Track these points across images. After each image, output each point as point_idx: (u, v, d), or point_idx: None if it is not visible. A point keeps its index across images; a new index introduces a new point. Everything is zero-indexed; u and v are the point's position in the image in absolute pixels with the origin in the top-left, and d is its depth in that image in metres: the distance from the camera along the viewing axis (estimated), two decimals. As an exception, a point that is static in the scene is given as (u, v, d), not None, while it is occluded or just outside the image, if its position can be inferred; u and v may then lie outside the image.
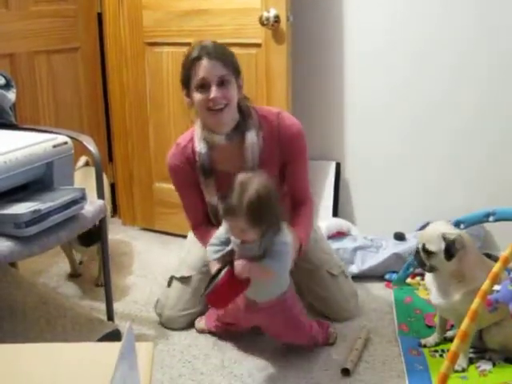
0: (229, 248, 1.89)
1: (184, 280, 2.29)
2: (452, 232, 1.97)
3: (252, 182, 1.78)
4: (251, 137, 2.08)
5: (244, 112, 2.09)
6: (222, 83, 1.99)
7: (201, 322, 2.26)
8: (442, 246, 1.94)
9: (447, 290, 1.98)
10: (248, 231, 1.79)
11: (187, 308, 2.28)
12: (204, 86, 1.99)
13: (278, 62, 2.61)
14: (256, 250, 1.82)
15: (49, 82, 3.05)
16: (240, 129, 2.08)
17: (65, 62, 3.11)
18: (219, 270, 1.84)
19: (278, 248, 1.83)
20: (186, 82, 2.05)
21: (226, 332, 2.20)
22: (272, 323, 2.03)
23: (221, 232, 1.94)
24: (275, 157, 2.13)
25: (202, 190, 2.18)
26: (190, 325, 2.29)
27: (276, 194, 1.84)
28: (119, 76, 3.11)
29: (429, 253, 1.99)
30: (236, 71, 2.05)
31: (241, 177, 1.82)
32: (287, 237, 1.87)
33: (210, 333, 2.23)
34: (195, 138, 2.13)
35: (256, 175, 1.83)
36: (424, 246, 2.01)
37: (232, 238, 1.87)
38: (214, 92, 1.97)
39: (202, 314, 2.29)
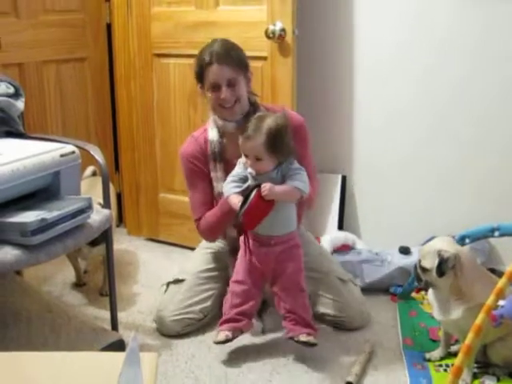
0: (246, 184, 2.07)
1: (177, 282, 2.35)
2: (448, 249, 1.96)
3: (270, 116, 2.04)
4: None
5: (254, 104, 2.27)
6: (231, 84, 2.17)
7: (219, 335, 2.15)
8: (436, 262, 1.94)
9: (447, 306, 1.98)
10: (264, 160, 2.01)
11: (179, 309, 2.29)
12: (215, 87, 2.18)
13: (283, 74, 2.62)
14: (275, 177, 2.03)
15: (57, 92, 3.07)
16: (250, 117, 2.17)
17: (73, 72, 3.13)
18: (248, 194, 1.98)
19: (295, 172, 2.05)
20: (199, 79, 2.24)
21: (239, 319, 2.14)
22: (280, 260, 2.10)
23: (238, 171, 2.12)
24: None
25: (210, 184, 2.28)
26: (187, 333, 2.30)
27: (290, 129, 2.05)
28: (127, 86, 3.13)
29: (424, 269, 1.99)
30: (244, 67, 2.23)
31: (259, 113, 2.11)
32: (299, 165, 2.08)
33: (233, 336, 2.13)
34: (208, 129, 2.30)
35: (272, 113, 2.09)
36: (420, 261, 2.01)
37: (249, 171, 2.05)
38: (224, 93, 2.17)
39: (200, 320, 2.31)
